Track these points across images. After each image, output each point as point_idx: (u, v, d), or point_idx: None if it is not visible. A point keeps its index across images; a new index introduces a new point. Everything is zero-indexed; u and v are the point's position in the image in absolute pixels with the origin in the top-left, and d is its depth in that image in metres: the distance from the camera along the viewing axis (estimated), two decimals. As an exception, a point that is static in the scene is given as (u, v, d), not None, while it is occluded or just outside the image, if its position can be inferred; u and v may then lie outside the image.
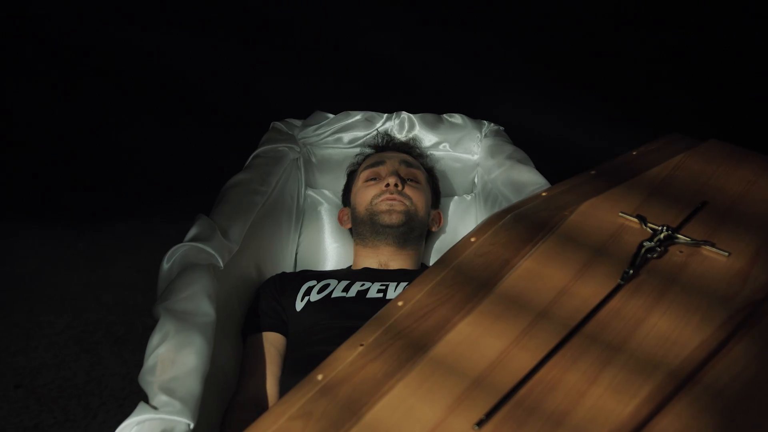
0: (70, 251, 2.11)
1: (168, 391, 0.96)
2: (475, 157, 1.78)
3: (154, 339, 1.03)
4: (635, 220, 1.05)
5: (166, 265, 1.21)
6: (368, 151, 1.71)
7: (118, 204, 2.30)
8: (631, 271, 0.94)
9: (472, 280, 0.94)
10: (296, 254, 1.72)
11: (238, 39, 3.06)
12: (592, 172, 1.18)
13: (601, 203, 1.09)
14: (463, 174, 1.80)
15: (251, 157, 1.64)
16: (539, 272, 0.95)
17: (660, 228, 1.01)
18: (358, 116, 1.78)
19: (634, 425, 0.76)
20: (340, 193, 1.72)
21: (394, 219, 1.48)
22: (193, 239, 1.25)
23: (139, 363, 1.03)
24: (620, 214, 1.06)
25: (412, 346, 0.84)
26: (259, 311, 1.39)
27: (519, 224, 1.04)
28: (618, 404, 0.78)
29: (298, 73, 2.93)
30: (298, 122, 1.81)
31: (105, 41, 3.01)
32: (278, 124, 1.79)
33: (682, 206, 1.09)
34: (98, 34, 3.05)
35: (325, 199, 1.78)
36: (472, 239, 1.02)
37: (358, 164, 1.67)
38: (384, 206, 1.49)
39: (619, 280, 0.93)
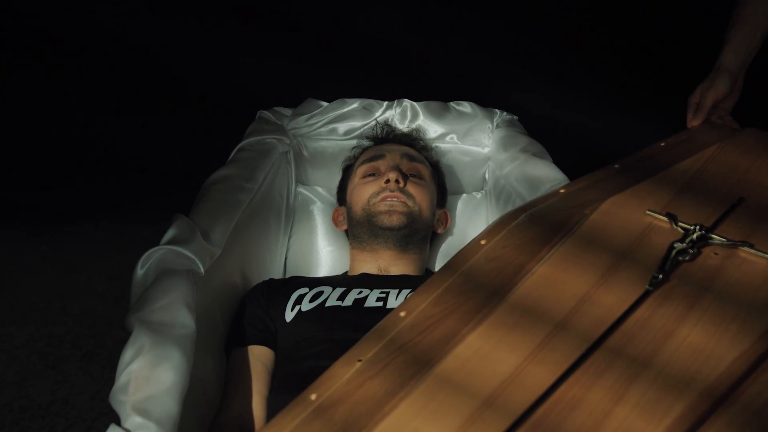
0: (32, 256, 2.12)
1: (142, 412, 0.96)
2: (486, 149, 1.78)
3: (127, 354, 1.03)
4: (664, 218, 1.04)
5: (140, 271, 1.21)
6: (366, 143, 1.71)
7: (87, 203, 2.31)
8: (661, 276, 0.93)
9: (483, 287, 0.95)
10: (286, 259, 1.72)
11: (220, 19, 3.07)
12: (616, 166, 1.18)
13: (626, 201, 1.09)
14: (473, 169, 1.80)
15: (235, 150, 1.65)
16: (557, 278, 0.95)
17: (692, 228, 1.01)
18: (355, 104, 1.78)
19: None
20: (335, 190, 1.72)
21: (395, 221, 1.48)
22: (170, 242, 1.25)
23: (110, 380, 1.03)
24: (647, 212, 1.06)
25: (416, 362, 0.84)
26: (245, 322, 1.39)
27: (534, 225, 1.04)
28: (647, 425, 0.77)
29: (287, 57, 2.93)
30: (287, 111, 1.81)
31: (69, 22, 3.01)
32: (266, 114, 1.79)
33: (717, 203, 1.08)
34: (62, 14, 3.05)
35: (318, 197, 1.79)
36: (482, 242, 1.02)
37: (355, 158, 1.67)
38: (383, 206, 1.49)
39: (647, 286, 0.93)
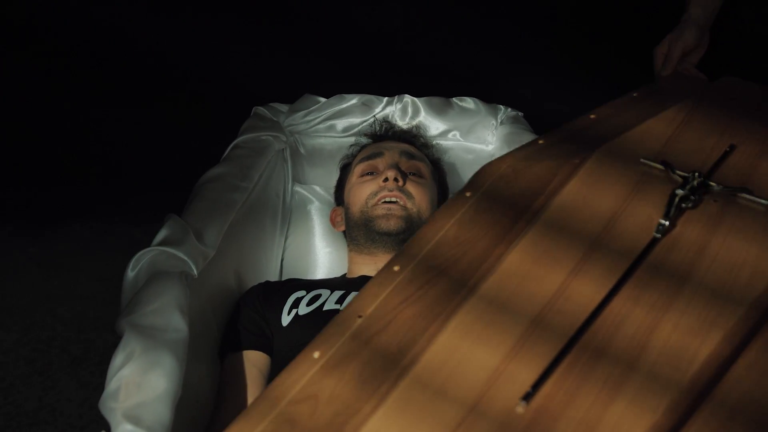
0: (19, 256, 2.12)
1: (133, 419, 0.96)
2: (490, 147, 1.78)
3: (118, 359, 1.03)
4: (660, 166, 1.07)
5: (131, 273, 1.21)
6: (365, 140, 1.71)
7: (76, 201, 2.30)
8: (667, 223, 0.96)
9: (474, 244, 0.97)
10: (282, 260, 1.72)
11: (214, 11, 3.07)
12: (592, 117, 1.20)
13: (616, 149, 1.11)
14: (476, 167, 1.79)
15: (230, 147, 1.65)
16: (564, 226, 0.98)
17: (691, 175, 1.04)
18: (353, 100, 1.78)
19: (718, 362, 0.81)
20: (333, 189, 1.72)
21: (392, 225, 1.48)
22: (162, 243, 1.25)
23: (99, 387, 1.03)
24: (642, 160, 1.09)
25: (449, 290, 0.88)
26: (240, 326, 1.39)
27: (523, 176, 1.06)
28: (693, 342, 0.83)
29: (284, 50, 2.93)
30: (284, 107, 1.81)
31: (56, 12, 3.01)
32: (261, 110, 1.79)
33: (708, 151, 1.12)
34: (50, 3, 3.05)
35: (316, 196, 1.79)
36: (467, 194, 1.04)
37: (353, 156, 1.67)
38: (380, 210, 1.49)
39: (654, 234, 0.96)
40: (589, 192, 1.03)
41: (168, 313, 1.11)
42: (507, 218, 1.00)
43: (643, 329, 0.86)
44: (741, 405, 0.79)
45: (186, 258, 1.25)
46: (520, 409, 0.78)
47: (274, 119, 1.77)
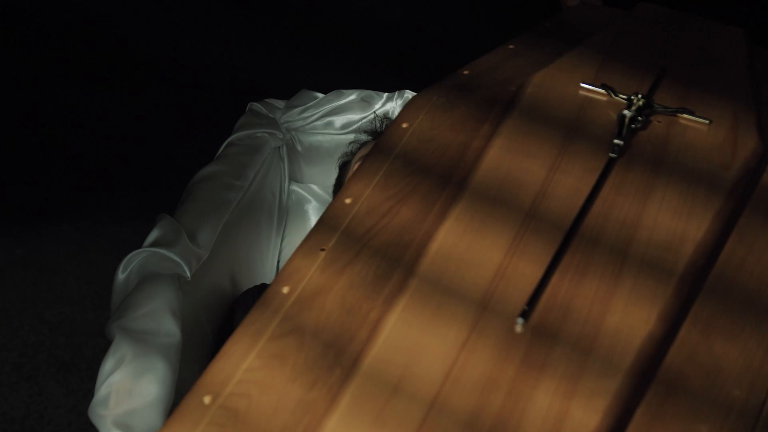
0: (4, 259, 2.11)
1: (124, 427, 0.96)
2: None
3: (107, 364, 1.03)
4: (601, 90, 1.14)
5: (121, 275, 1.21)
6: (364, 138, 1.71)
7: (63, 200, 2.30)
8: (622, 143, 1.03)
9: (430, 170, 1.00)
10: (278, 262, 1.72)
11: (208, 3, 3.06)
12: (511, 47, 1.28)
13: (554, 75, 1.17)
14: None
15: (224, 145, 1.65)
16: (514, 157, 1.02)
17: (634, 96, 1.10)
18: (352, 96, 1.78)
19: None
20: (331, 188, 1.72)
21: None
22: (154, 244, 1.25)
23: (89, 393, 1.03)
24: (582, 84, 1.15)
25: (391, 256, 0.90)
26: (234, 330, 1.39)
27: (459, 104, 1.11)
28: (642, 313, 0.85)
29: (280, 44, 2.93)
30: (280, 103, 1.81)
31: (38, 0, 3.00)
32: (256, 106, 1.79)
33: (642, 74, 1.19)
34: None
35: (313, 195, 1.78)
36: (404, 125, 1.07)
37: (352, 154, 1.67)
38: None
39: (610, 154, 1.02)
40: (535, 117, 1.08)
41: (160, 317, 1.11)
42: (456, 144, 1.04)
43: (630, 218, 0.94)
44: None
45: (178, 259, 1.25)
46: (518, 327, 0.82)
47: (270, 115, 1.77)
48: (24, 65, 2.78)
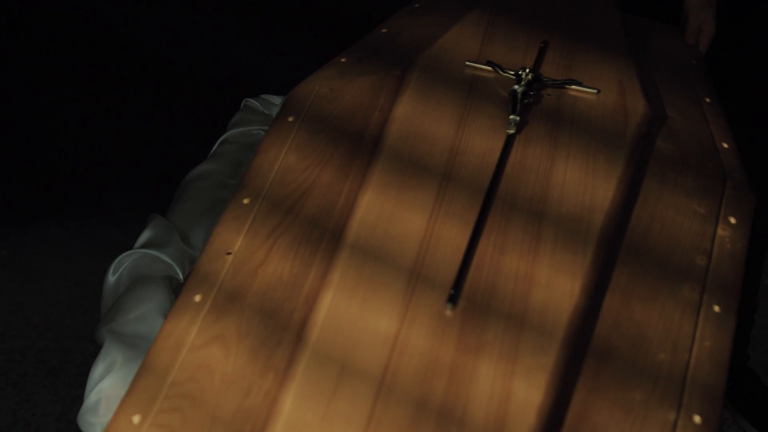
0: (-9, 260, 2.11)
1: (114, 435, 0.95)
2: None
3: (97, 370, 1.03)
4: (487, 67, 1.20)
5: (112, 278, 1.21)
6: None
7: (52, 201, 2.29)
8: (518, 118, 1.08)
9: (327, 163, 1.04)
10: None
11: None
12: (384, 30, 1.34)
13: (435, 57, 1.21)
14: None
15: (218, 142, 1.64)
16: (415, 136, 1.05)
17: (522, 71, 1.15)
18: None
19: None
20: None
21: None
22: (145, 245, 1.25)
23: (78, 399, 1.02)
24: (467, 63, 1.20)
25: (309, 235, 0.95)
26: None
27: (343, 93, 1.16)
28: (567, 281, 0.90)
29: (276, 38, 2.92)
30: (276, 99, 1.80)
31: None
32: (252, 102, 1.78)
33: (524, 49, 1.25)
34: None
35: (311, 195, 1.78)
36: (290, 119, 1.13)
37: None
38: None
39: (508, 131, 1.07)
40: (427, 100, 1.12)
41: (151, 321, 1.11)
42: (346, 140, 1.07)
43: (537, 194, 0.99)
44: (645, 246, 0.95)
45: (171, 261, 1.25)
46: (448, 311, 0.85)
47: (266, 112, 1.76)
48: (7, 65, 2.77)
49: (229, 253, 0.93)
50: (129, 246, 1.25)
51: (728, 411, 1.78)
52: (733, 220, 1.05)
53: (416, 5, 1.46)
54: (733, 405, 1.77)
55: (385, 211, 0.96)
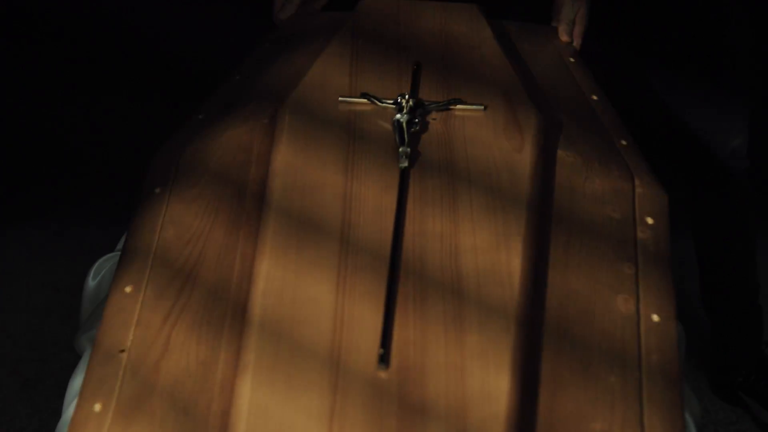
0: (-37, 264, 2.10)
1: (95, 452, 0.94)
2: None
3: (76, 381, 1.01)
4: (363, 100, 1.16)
5: (92, 282, 1.20)
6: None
7: (28, 201, 2.29)
8: (409, 150, 1.04)
9: (211, 233, 1.00)
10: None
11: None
12: (238, 77, 1.33)
13: (303, 98, 1.16)
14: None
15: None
16: (303, 187, 1.01)
17: (401, 99, 1.12)
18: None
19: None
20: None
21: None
22: (128, 247, 1.24)
23: (56, 412, 1.02)
24: (340, 99, 1.16)
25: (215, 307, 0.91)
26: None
27: (210, 154, 1.11)
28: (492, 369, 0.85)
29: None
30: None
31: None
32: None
33: (396, 74, 1.22)
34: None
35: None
36: (157, 190, 1.09)
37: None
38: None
39: (400, 165, 1.02)
40: (305, 149, 1.07)
41: (135, 328, 1.10)
42: (226, 204, 1.03)
43: (447, 235, 0.95)
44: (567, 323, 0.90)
45: (156, 264, 1.23)
46: (382, 374, 0.82)
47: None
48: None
49: (122, 351, 0.88)
50: (110, 248, 1.24)
51: (741, 407, 1.79)
52: (650, 221, 1.04)
53: (266, 44, 1.43)
54: (757, 401, 1.77)
55: (288, 276, 0.91)
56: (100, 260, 1.22)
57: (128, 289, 0.95)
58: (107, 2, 2.89)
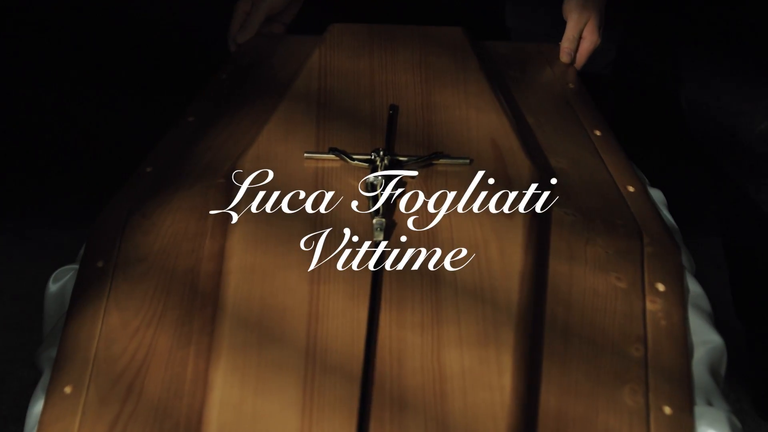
0: None
1: (55, 484, 0.93)
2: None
3: (37, 402, 1.00)
4: (332, 156, 1.10)
5: (53, 289, 1.19)
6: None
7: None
8: (384, 220, 0.99)
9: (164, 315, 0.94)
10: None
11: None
12: (191, 119, 1.27)
13: (266, 151, 1.11)
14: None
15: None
16: (261, 270, 0.95)
17: (374, 156, 1.08)
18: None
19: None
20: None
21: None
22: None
23: (12, 440, 1.00)
24: (306, 155, 1.11)
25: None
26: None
27: (160, 221, 1.06)
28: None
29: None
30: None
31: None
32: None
33: (369, 122, 1.17)
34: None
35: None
36: (99, 264, 1.04)
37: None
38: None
39: (375, 238, 0.97)
40: (267, 228, 1.01)
41: (102, 343, 1.09)
42: (178, 284, 0.98)
43: (428, 294, 0.91)
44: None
45: (125, 271, 1.22)
46: None
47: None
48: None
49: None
50: (75, 253, 1.23)
51: None
52: (661, 287, 0.98)
53: (223, 76, 1.38)
54: None
55: (247, 389, 0.85)
56: (64, 267, 1.20)
57: (68, 390, 0.91)
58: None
